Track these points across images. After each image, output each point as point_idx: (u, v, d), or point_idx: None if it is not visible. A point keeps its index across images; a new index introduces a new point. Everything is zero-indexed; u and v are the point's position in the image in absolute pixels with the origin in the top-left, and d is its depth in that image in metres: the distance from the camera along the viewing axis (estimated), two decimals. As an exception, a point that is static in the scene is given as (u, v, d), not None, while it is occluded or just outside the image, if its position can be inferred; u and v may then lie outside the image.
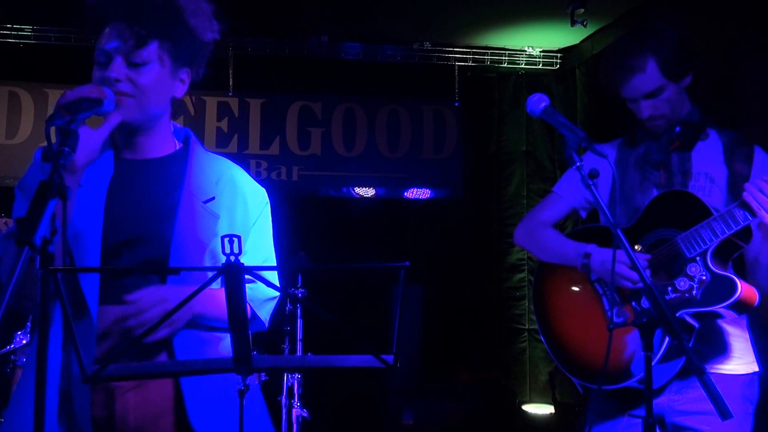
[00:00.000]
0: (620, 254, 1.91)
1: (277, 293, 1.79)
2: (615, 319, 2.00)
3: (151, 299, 1.54)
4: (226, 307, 1.24)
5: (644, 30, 2.05)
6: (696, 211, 1.93)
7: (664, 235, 2.00)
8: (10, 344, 3.46)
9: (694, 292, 1.92)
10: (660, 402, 1.98)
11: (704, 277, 1.91)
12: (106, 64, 1.60)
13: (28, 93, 4.81)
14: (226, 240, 1.16)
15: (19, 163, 4.63)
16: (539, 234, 2.23)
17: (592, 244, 2.04)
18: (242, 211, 1.74)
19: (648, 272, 1.96)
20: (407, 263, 1.19)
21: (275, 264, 1.82)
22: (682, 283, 1.94)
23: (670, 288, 1.96)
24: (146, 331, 1.30)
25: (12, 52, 4.77)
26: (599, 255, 2.00)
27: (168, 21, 1.61)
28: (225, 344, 1.69)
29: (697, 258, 1.93)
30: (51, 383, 1.51)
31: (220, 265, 1.19)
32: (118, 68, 1.58)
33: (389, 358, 1.28)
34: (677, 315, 1.91)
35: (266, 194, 1.83)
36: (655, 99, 2.02)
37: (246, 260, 1.69)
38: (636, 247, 2.03)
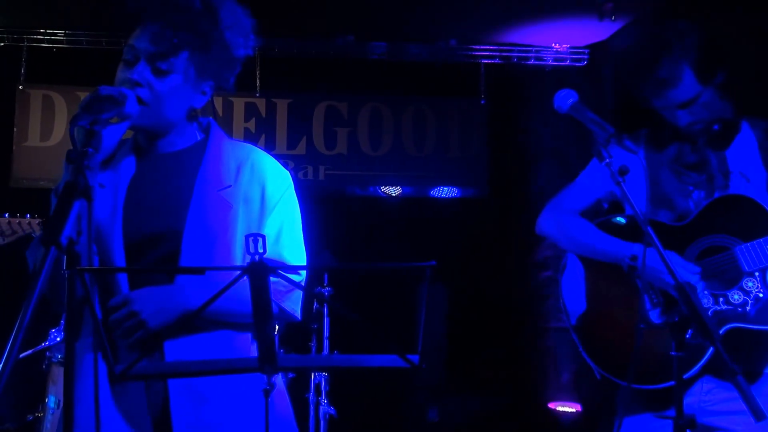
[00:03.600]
0: (675, 263, 1.83)
1: (299, 280, 1.74)
2: (654, 320, 1.95)
3: (116, 301, 1.56)
4: (251, 307, 1.23)
5: (669, 35, 1.95)
6: (760, 222, 1.86)
7: (720, 242, 1.93)
8: (45, 341, 3.52)
9: (748, 308, 1.86)
10: (691, 402, 1.93)
11: (761, 294, 1.85)
12: (133, 63, 1.60)
13: (61, 96, 4.89)
14: (250, 239, 1.16)
15: (53, 165, 4.69)
16: (571, 225, 2.13)
17: (638, 244, 1.94)
18: (260, 197, 1.70)
19: (698, 278, 1.90)
20: (433, 263, 1.18)
21: (302, 247, 1.77)
22: (735, 296, 1.89)
23: (722, 299, 1.90)
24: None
25: (45, 57, 4.85)
26: (648, 259, 1.85)
27: (203, 32, 1.60)
28: (220, 343, 1.65)
29: (756, 273, 1.86)
30: (102, 375, 1.53)
31: (244, 264, 1.18)
32: (141, 71, 1.58)
33: (414, 358, 1.26)
34: (727, 327, 1.86)
35: (289, 177, 1.78)
36: (692, 106, 1.95)
37: (267, 246, 1.69)
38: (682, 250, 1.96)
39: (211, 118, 1.81)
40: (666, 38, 1.96)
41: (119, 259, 1.61)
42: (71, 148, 1.31)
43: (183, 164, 1.70)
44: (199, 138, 1.76)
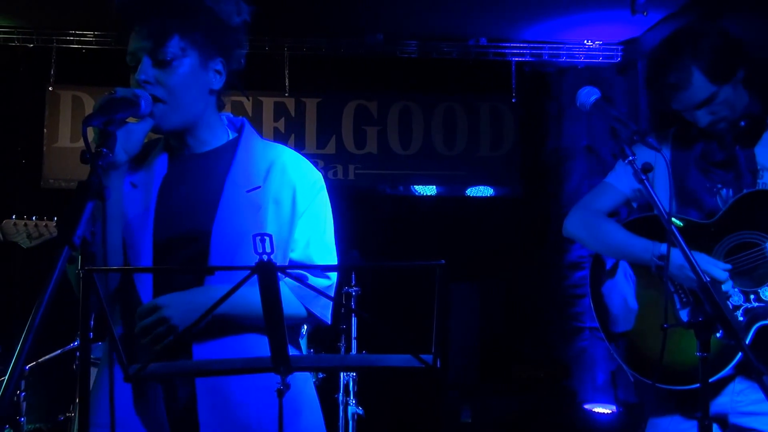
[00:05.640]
0: (703, 261, 1.81)
1: (329, 284, 1.70)
2: (684, 320, 1.92)
3: (144, 308, 1.55)
4: (262, 307, 1.23)
5: (682, 38, 1.94)
6: None
7: (749, 239, 1.90)
8: (74, 342, 3.57)
9: None
10: (723, 402, 1.92)
11: None
12: (136, 67, 1.59)
13: (90, 97, 4.93)
14: (257, 239, 1.15)
15: (83, 166, 4.72)
16: (599, 226, 2.11)
17: (665, 244, 1.88)
18: (290, 200, 1.68)
19: (727, 275, 1.88)
20: (442, 261, 1.16)
21: (333, 251, 1.74)
22: (767, 293, 1.86)
23: (753, 296, 1.87)
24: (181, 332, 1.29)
25: (75, 58, 4.92)
26: (677, 258, 1.81)
27: (189, 11, 1.58)
28: (248, 346, 1.64)
29: None
30: (120, 376, 1.55)
31: (252, 264, 1.17)
32: (146, 70, 1.58)
33: (428, 357, 1.25)
34: (759, 325, 1.83)
35: (321, 179, 1.75)
36: (710, 105, 1.92)
37: (297, 251, 1.67)
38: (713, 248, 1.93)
39: (244, 118, 1.80)
40: (676, 42, 1.95)
41: (147, 258, 1.60)
42: (84, 148, 1.32)
43: (214, 164, 1.69)
44: (231, 137, 1.74)
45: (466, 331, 5.01)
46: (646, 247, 1.97)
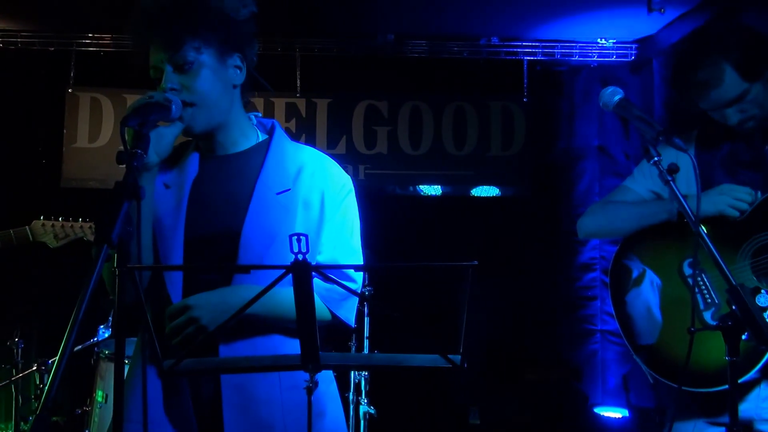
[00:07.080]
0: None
1: (355, 286, 1.72)
2: (708, 321, 1.91)
3: (174, 308, 1.57)
4: (295, 306, 1.24)
5: (711, 34, 1.92)
6: None
7: None
8: (93, 337, 3.63)
9: None
10: (747, 408, 1.89)
11: None
12: (161, 79, 1.62)
13: (108, 99, 4.99)
14: (294, 238, 1.17)
15: (101, 165, 4.81)
16: (611, 209, 2.12)
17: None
18: (319, 203, 1.70)
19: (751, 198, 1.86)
20: (475, 262, 1.18)
21: (359, 254, 1.77)
22: None
23: None
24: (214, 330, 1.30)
25: (93, 60, 4.97)
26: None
27: (195, 13, 1.61)
28: (274, 347, 1.65)
29: None
30: (152, 372, 1.57)
31: (287, 263, 1.19)
32: (170, 78, 1.61)
33: (456, 358, 1.26)
34: None
35: (350, 182, 1.78)
36: (740, 103, 1.90)
37: (324, 253, 1.69)
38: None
39: (275, 120, 1.82)
40: (705, 39, 1.93)
41: (178, 257, 1.62)
42: (121, 149, 1.34)
43: (245, 165, 1.71)
44: (261, 139, 1.77)
45: (474, 332, 5.01)
46: (663, 208, 1.97)
